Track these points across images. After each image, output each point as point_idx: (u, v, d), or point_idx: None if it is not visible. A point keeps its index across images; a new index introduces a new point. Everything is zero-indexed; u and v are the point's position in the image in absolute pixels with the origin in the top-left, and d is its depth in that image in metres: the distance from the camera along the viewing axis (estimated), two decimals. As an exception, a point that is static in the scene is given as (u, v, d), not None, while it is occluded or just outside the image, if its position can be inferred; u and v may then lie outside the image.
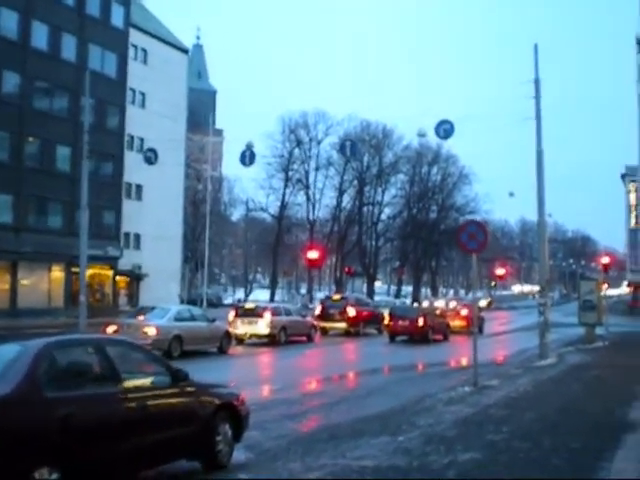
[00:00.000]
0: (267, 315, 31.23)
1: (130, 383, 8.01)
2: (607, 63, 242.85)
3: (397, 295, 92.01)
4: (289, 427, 12.50)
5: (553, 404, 14.47)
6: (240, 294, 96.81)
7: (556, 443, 10.32)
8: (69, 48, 50.37)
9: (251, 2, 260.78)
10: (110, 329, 24.16)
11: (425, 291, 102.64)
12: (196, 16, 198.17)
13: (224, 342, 27.35)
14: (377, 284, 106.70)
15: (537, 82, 25.57)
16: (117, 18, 55.32)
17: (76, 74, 44.53)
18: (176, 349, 24.45)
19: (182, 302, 57.10)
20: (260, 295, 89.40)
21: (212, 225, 65.59)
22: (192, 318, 26.60)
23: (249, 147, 34.03)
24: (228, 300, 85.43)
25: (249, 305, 36.63)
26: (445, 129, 25.66)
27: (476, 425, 11.85)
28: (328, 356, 29.81)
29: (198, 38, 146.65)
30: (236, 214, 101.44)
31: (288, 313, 33.52)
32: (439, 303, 56.35)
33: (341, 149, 33.33)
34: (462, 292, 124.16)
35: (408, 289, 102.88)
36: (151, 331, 23.92)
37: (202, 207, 67.60)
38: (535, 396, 15.69)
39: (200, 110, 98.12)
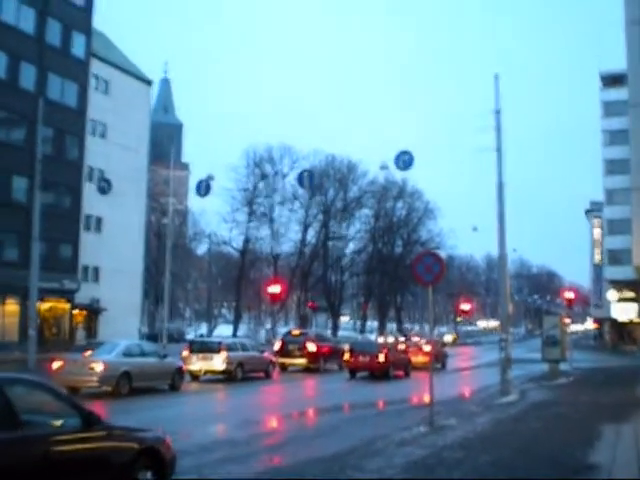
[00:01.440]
0: (223, 351, 30.30)
1: (32, 427, 7.15)
2: (571, 99, 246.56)
3: (362, 330, 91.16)
4: (229, 471, 11.62)
5: (511, 445, 13.80)
6: (204, 329, 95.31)
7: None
8: (28, 77, 49.34)
9: (220, 38, 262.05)
10: (56, 365, 23.30)
11: (391, 326, 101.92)
12: (164, 50, 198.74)
13: (176, 379, 26.37)
14: (343, 319, 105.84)
15: (498, 113, 25.30)
16: (78, 47, 54.42)
17: (34, 103, 43.14)
18: (124, 386, 23.46)
19: (142, 337, 55.86)
20: (224, 330, 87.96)
21: (176, 259, 64.44)
22: (142, 354, 25.48)
23: (209, 178, 33.42)
24: (191, 335, 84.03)
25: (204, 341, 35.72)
26: (404, 160, 25.20)
27: (427, 469, 11.12)
28: (284, 393, 28.98)
29: (165, 72, 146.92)
30: (201, 248, 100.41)
31: (245, 349, 32.51)
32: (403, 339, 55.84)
33: (299, 180, 32.62)
34: (427, 328, 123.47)
35: (374, 324, 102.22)
36: (98, 367, 22.89)
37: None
38: (493, 436, 15.00)
39: (166, 143, 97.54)
